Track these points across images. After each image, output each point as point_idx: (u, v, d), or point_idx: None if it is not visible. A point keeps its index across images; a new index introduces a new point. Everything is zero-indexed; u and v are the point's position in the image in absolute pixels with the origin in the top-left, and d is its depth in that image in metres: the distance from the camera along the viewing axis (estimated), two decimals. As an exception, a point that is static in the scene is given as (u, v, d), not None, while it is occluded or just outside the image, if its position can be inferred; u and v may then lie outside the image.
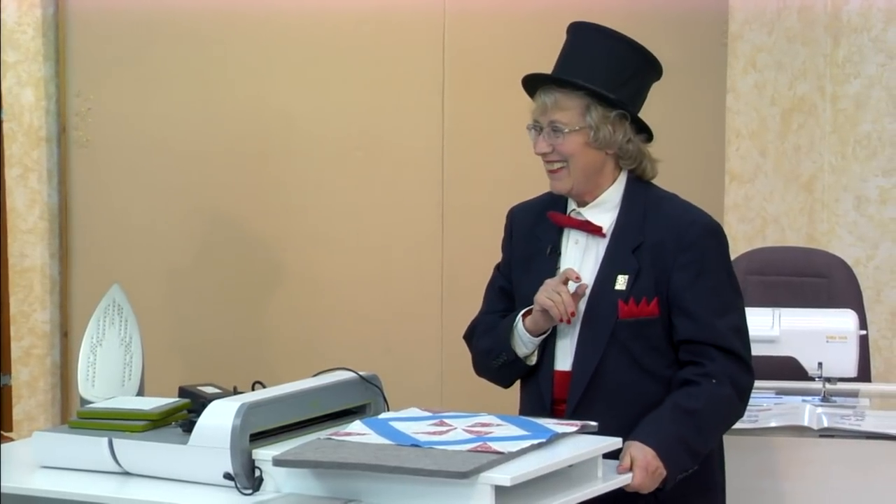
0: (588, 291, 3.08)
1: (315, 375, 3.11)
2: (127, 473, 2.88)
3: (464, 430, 2.81)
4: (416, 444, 2.71)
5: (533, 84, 3.19)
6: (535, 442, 2.73)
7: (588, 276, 3.10)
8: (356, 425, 2.88)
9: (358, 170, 4.73)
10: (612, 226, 3.14)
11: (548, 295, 3.03)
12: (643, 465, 2.90)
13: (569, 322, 3.04)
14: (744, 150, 5.39)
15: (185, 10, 4.46)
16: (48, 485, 2.85)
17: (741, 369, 3.09)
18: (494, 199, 4.77)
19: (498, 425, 2.84)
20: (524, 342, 3.11)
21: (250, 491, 2.70)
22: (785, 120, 5.31)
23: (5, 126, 4.08)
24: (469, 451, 2.65)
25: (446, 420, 2.90)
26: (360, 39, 4.72)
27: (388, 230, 4.78)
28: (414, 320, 4.77)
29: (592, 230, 3.13)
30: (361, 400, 3.09)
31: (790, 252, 4.93)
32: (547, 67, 4.62)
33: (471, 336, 3.30)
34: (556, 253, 3.17)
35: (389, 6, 4.73)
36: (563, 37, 3.24)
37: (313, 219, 4.67)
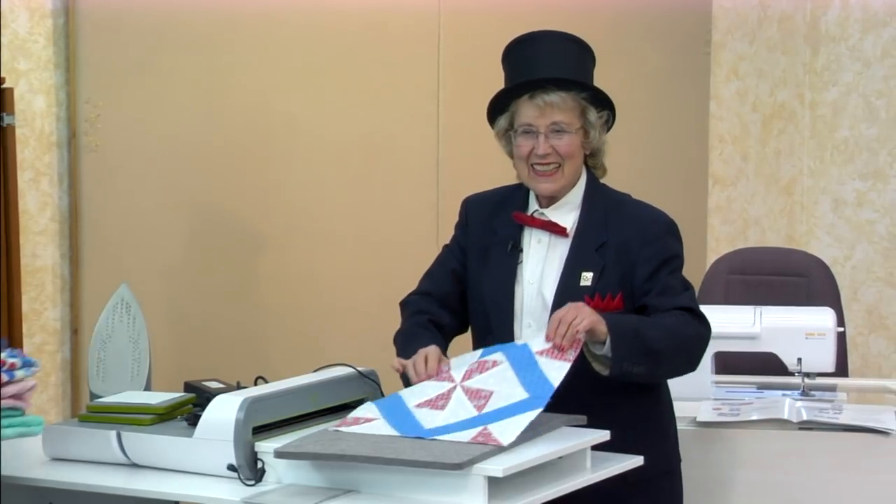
0: (554, 289, 3.11)
1: (315, 371, 3.14)
2: (134, 465, 2.90)
3: (465, 391, 2.85)
4: (419, 437, 2.74)
5: (507, 94, 3.18)
6: (536, 413, 2.74)
7: (553, 273, 3.13)
8: (367, 407, 2.91)
9: (357, 171, 4.73)
10: (575, 226, 3.16)
11: (413, 359, 3.04)
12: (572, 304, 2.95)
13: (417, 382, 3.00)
14: (726, 154, 5.39)
15: (191, 20, 4.41)
16: (59, 476, 2.87)
17: (701, 321, 3.11)
18: None
19: (499, 380, 2.86)
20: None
21: (253, 482, 2.72)
22: (766, 126, 5.32)
23: (18, 132, 4.07)
24: (470, 441, 2.68)
25: (452, 374, 2.92)
26: (358, 46, 4.70)
27: (385, 230, 4.77)
28: (410, 317, 4.80)
29: (557, 230, 3.16)
30: (359, 394, 3.11)
31: (771, 252, 4.95)
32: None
33: (402, 310, 3.33)
34: (517, 249, 3.18)
35: (385, 11, 4.72)
36: (509, 41, 3.29)
37: (314, 219, 4.66)
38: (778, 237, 5.52)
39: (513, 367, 2.91)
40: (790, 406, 3.76)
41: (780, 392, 3.98)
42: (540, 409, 2.78)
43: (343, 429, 2.84)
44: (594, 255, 3.12)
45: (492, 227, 3.24)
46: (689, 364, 3.15)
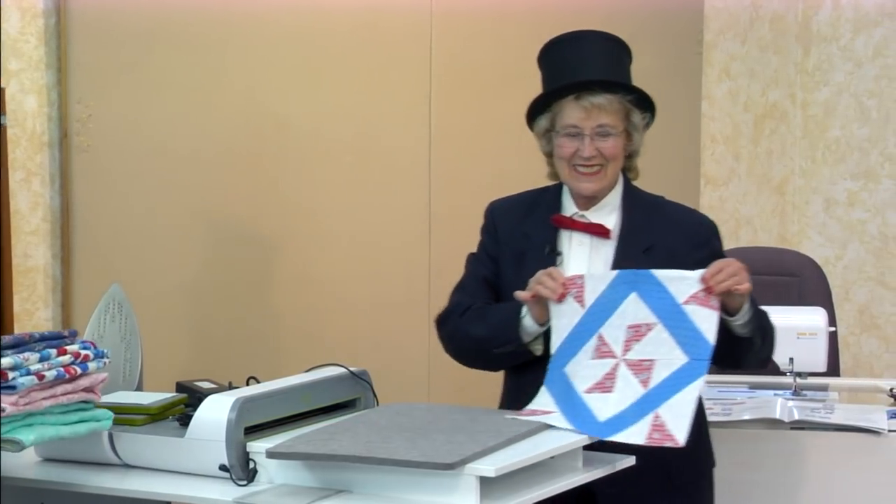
0: None
1: (307, 371, 3.13)
2: (126, 466, 2.89)
3: (628, 365, 2.87)
4: (598, 437, 2.79)
5: (547, 95, 3.16)
6: (700, 384, 2.79)
7: None
8: (543, 398, 2.93)
9: (349, 171, 4.72)
10: (618, 228, 3.15)
11: (537, 280, 3.01)
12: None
13: (560, 300, 3.00)
14: (718, 154, 5.39)
15: (183, 20, 4.42)
16: (51, 476, 2.87)
17: None
18: (480, 200, 4.69)
19: (657, 344, 2.88)
20: (528, 332, 3.07)
21: (245, 482, 2.72)
22: (757, 125, 5.34)
23: (9, 132, 4.07)
24: (647, 441, 2.75)
25: (610, 344, 2.92)
26: (350, 46, 4.70)
27: (377, 230, 4.76)
28: (403, 317, 4.75)
29: (600, 232, 3.14)
30: (352, 394, 3.12)
31: (762, 252, 4.95)
32: (535, 70, 4.60)
33: (446, 319, 3.23)
34: (555, 253, 3.15)
35: (377, 12, 4.72)
36: (548, 40, 3.27)
37: (306, 220, 4.65)
38: (770, 237, 5.53)
39: (666, 327, 2.91)
40: (782, 406, 3.77)
41: (772, 392, 3.99)
42: (703, 377, 2.82)
43: (519, 416, 2.88)
44: (642, 258, 3.07)
45: (524, 231, 3.20)
46: (769, 358, 3.18)
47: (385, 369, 3.60)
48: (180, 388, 3.15)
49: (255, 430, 2.83)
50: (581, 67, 3.14)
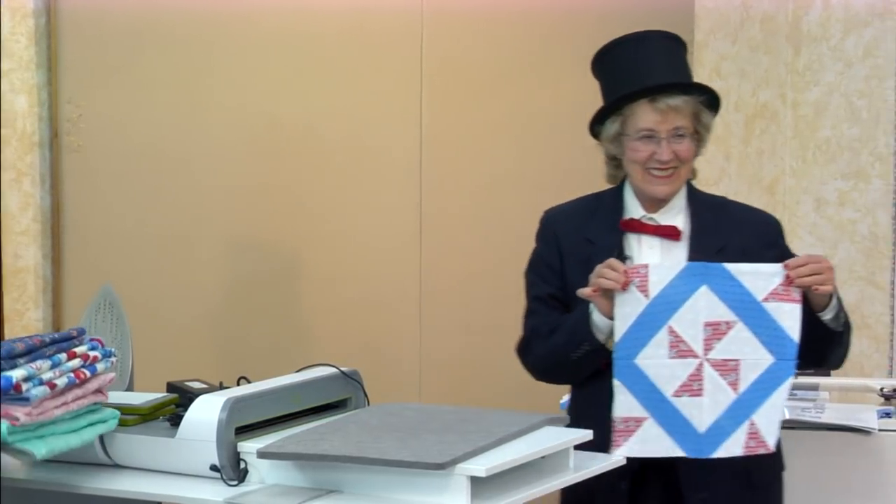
0: None
1: (298, 371, 3.14)
2: (117, 466, 2.89)
3: (713, 366, 2.88)
4: (700, 455, 2.84)
5: (620, 98, 3.12)
6: (788, 384, 2.85)
7: None
8: (625, 400, 2.93)
9: (340, 171, 4.73)
10: (687, 229, 3.14)
11: (598, 273, 2.98)
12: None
13: (623, 288, 2.96)
14: (709, 154, 5.32)
15: (173, 21, 4.44)
16: (41, 477, 2.86)
17: None
18: (471, 201, 4.80)
19: (740, 344, 2.89)
20: (600, 328, 3.04)
21: (236, 482, 2.72)
22: (748, 125, 5.32)
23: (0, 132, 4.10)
24: (744, 451, 2.82)
25: (688, 342, 2.92)
26: (340, 47, 4.70)
27: (368, 230, 4.77)
28: (393, 318, 4.76)
29: (670, 234, 3.13)
30: (342, 394, 3.12)
31: None
32: (526, 71, 4.62)
33: (526, 347, 3.21)
34: (622, 256, 3.10)
35: (367, 12, 4.72)
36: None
37: (297, 219, 4.66)
38: (761, 237, 5.53)
39: (748, 325, 2.92)
40: (773, 405, 3.77)
41: (763, 391, 3.99)
42: (791, 378, 2.85)
43: (622, 440, 2.91)
44: (716, 259, 3.02)
45: (586, 237, 3.18)
46: (844, 357, 3.20)
47: (376, 369, 3.60)
48: (171, 388, 3.13)
49: (246, 430, 2.82)
50: (651, 69, 3.13)
